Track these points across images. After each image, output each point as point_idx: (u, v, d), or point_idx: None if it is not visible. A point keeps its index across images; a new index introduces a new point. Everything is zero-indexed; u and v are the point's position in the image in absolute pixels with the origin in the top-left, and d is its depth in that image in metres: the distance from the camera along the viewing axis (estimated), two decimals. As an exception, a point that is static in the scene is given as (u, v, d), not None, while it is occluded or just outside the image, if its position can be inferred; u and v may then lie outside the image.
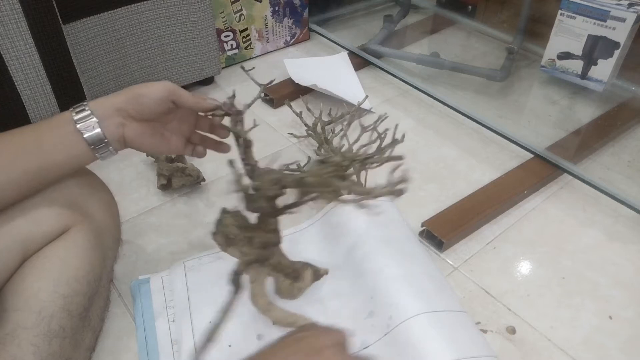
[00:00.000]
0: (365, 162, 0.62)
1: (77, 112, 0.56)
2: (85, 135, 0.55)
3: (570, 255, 0.82)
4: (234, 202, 0.59)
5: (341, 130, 0.89)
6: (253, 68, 0.69)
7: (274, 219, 0.61)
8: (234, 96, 0.62)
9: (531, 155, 1.00)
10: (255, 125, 0.63)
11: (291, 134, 1.07)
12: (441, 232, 0.81)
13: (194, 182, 0.92)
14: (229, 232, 0.58)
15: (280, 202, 0.58)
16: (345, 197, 0.55)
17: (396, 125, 0.62)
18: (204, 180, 0.94)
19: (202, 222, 0.87)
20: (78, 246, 0.60)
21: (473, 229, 0.85)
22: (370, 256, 0.74)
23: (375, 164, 0.63)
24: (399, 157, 0.59)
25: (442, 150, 1.04)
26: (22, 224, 0.57)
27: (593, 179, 0.94)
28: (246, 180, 0.59)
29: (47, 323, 0.54)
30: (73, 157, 0.57)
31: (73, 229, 0.60)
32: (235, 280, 0.58)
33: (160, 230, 0.86)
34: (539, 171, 0.96)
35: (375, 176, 0.62)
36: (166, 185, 0.91)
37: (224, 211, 0.59)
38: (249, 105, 0.63)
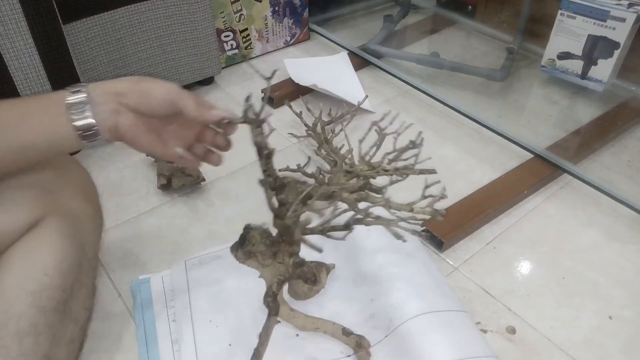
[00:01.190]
0: (394, 173, 0.58)
1: (72, 93, 0.52)
2: (74, 121, 0.51)
3: (570, 255, 0.82)
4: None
5: (341, 130, 0.88)
6: (276, 71, 0.62)
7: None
8: (249, 101, 0.57)
9: (531, 155, 1.00)
10: (272, 130, 0.59)
11: (291, 134, 1.07)
12: (441, 232, 0.81)
13: (194, 182, 0.93)
14: (258, 250, 0.56)
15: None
16: (375, 212, 0.52)
17: (419, 133, 0.60)
18: (204, 180, 0.94)
19: (202, 222, 0.87)
20: (47, 238, 0.57)
21: (473, 229, 0.85)
22: (371, 258, 0.74)
23: (405, 176, 0.58)
24: (432, 170, 0.56)
25: (442, 150, 1.04)
26: None
27: (593, 179, 0.94)
28: (271, 194, 0.57)
29: (16, 322, 0.52)
30: (57, 140, 0.53)
31: (44, 220, 0.57)
32: (272, 303, 0.57)
33: (160, 230, 0.86)
34: (539, 171, 0.96)
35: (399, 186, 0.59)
36: (166, 185, 0.91)
37: (249, 227, 0.56)
38: (263, 109, 0.57)
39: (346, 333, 0.65)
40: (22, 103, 0.53)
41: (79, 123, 0.52)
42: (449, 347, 0.62)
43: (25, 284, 0.54)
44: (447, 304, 0.68)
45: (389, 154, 0.60)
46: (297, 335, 0.67)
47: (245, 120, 0.57)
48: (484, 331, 0.70)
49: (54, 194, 0.61)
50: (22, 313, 0.53)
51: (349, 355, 0.65)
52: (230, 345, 0.67)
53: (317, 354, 0.65)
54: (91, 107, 0.52)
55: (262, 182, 0.57)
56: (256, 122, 0.57)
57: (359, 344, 0.64)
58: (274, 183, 0.58)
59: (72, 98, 0.52)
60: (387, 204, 0.52)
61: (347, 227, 0.55)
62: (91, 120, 0.52)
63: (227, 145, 0.61)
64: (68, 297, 0.58)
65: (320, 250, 0.54)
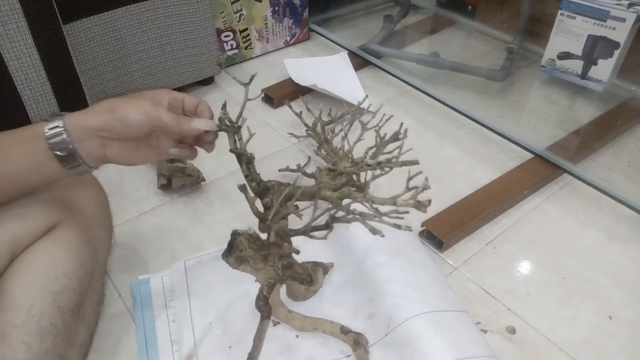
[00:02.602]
0: (377, 167, 0.57)
1: (50, 128, 0.51)
2: (58, 154, 0.52)
3: (570, 255, 0.82)
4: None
5: (341, 130, 0.89)
6: (254, 75, 0.62)
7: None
8: (225, 108, 0.57)
9: (531, 155, 1.00)
10: (252, 135, 0.60)
11: (291, 134, 1.07)
12: (441, 232, 0.81)
13: (194, 182, 0.93)
14: (246, 256, 0.56)
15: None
16: (359, 208, 0.52)
17: (401, 124, 0.60)
18: (204, 180, 0.94)
19: (202, 222, 0.87)
20: (66, 242, 0.59)
21: (473, 229, 0.85)
22: (371, 257, 0.74)
23: (388, 169, 0.58)
24: (414, 162, 0.55)
25: (442, 150, 1.04)
26: (10, 223, 0.56)
27: (593, 179, 0.94)
28: (256, 199, 0.57)
29: (38, 320, 0.54)
30: (43, 175, 0.54)
31: (61, 225, 0.59)
32: (263, 307, 0.57)
33: (160, 230, 0.86)
34: (539, 171, 0.96)
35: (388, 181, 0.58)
36: (166, 185, 0.91)
37: (236, 234, 0.56)
38: (241, 115, 0.58)
39: (344, 331, 0.65)
40: (2, 140, 0.53)
41: (64, 158, 0.52)
42: (448, 347, 0.62)
43: (47, 284, 0.56)
44: (446, 303, 0.68)
45: (371, 148, 0.60)
46: (297, 336, 0.67)
47: (221, 128, 0.57)
48: (484, 331, 0.70)
49: (69, 200, 0.63)
50: (44, 312, 0.55)
51: (348, 356, 0.65)
52: (230, 347, 0.67)
53: (317, 354, 0.65)
54: (74, 142, 0.52)
55: (241, 188, 0.57)
56: (231, 130, 0.57)
57: (357, 342, 0.64)
58: (257, 187, 0.58)
59: (52, 133, 0.52)
60: (369, 199, 0.52)
61: (328, 226, 0.54)
62: (75, 154, 0.52)
63: (213, 141, 0.60)
64: (82, 301, 0.60)
65: (297, 252, 0.54)
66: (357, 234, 0.77)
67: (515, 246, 0.83)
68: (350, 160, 0.59)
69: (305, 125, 0.98)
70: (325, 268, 0.73)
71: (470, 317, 0.69)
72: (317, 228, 0.54)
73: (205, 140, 0.59)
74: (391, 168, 0.56)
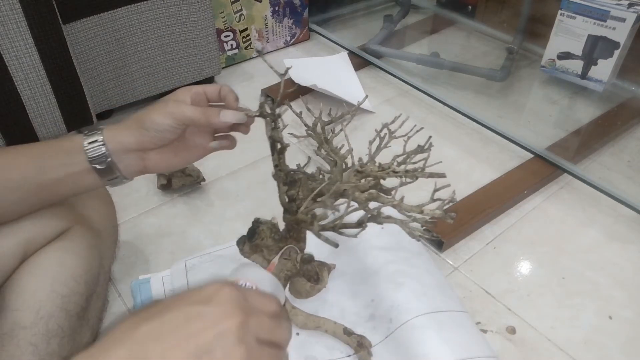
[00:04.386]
0: (404, 174, 0.58)
1: (89, 143, 0.53)
2: (97, 167, 0.53)
3: (571, 255, 0.82)
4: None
5: (341, 130, 0.89)
6: (289, 68, 0.62)
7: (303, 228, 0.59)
8: (268, 95, 0.58)
9: (531, 155, 1.00)
10: (285, 126, 0.60)
11: (291, 134, 1.06)
12: (441, 232, 0.81)
13: (194, 182, 0.93)
14: (265, 245, 0.56)
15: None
16: (386, 212, 0.53)
17: (429, 137, 0.61)
18: (204, 180, 0.94)
19: (202, 222, 0.87)
20: (76, 246, 0.59)
21: (473, 229, 0.85)
22: (372, 258, 0.74)
23: (414, 178, 0.59)
24: (442, 174, 0.56)
25: (442, 150, 1.04)
26: (24, 225, 0.57)
27: (593, 179, 0.94)
28: (284, 189, 0.57)
29: (46, 322, 0.54)
30: (79, 186, 0.55)
31: (71, 230, 0.60)
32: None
33: (160, 230, 0.86)
34: (539, 171, 0.96)
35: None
36: (166, 185, 0.91)
37: (259, 222, 0.56)
38: (282, 102, 0.58)
39: (347, 333, 0.65)
40: (40, 151, 0.54)
41: (103, 171, 0.54)
42: (449, 347, 0.62)
43: (56, 287, 0.56)
44: (447, 304, 0.68)
45: (398, 156, 0.61)
46: (297, 334, 0.67)
47: (261, 114, 0.57)
48: (484, 331, 0.70)
49: (79, 207, 0.63)
50: (52, 314, 0.55)
51: (349, 355, 0.65)
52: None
53: (317, 353, 0.65)
54: (113, 156, 0.53)
55: (276, 176, 0.57)
56: (272, 117, 0.57)
57: (361, 344, 0.64)
58: (285, 178, 0.58)
59: (91, 146, 0.53)
60: (399, 205, 0.53)
61: (360, 224, 0.55)
62: (114, 168, 0.54)
63: (249, 125, 0.59)
64: (88, 305, 0.61)
65: (336, 245, 0.54)
66: (359, 235, 0.77)
67: (515, 246, 0.83)
68: (376, 164, 0.60)
69: (305, 125, 0.98)
70: (329, 268, 0.73)
71: (470, 317, 0.69)
72: (346, 225, 0.55)
73: (240, 125, 0.59)
74: (417, 177, 0.57)
